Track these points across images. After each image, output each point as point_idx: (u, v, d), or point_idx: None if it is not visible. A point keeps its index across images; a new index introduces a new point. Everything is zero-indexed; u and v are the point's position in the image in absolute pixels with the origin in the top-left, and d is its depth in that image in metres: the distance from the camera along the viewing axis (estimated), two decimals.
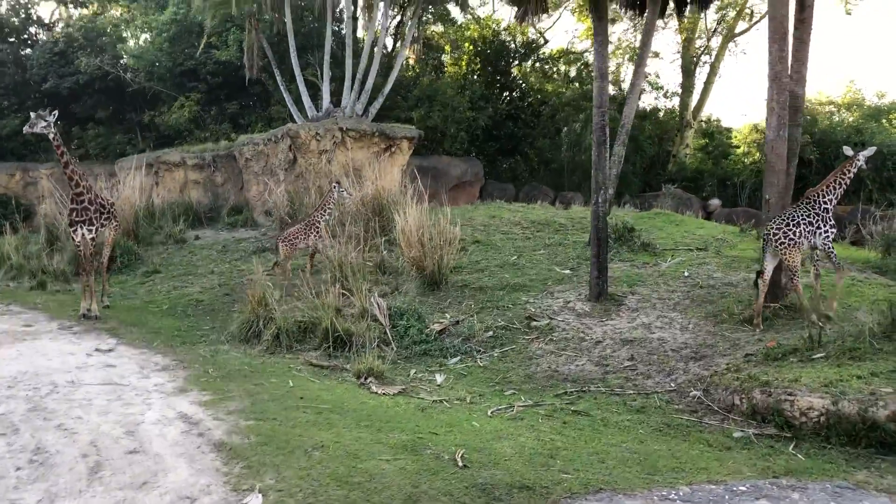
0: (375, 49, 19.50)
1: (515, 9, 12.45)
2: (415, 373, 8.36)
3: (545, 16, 26.38)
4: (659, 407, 6.90)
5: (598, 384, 7.59)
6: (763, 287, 8.64)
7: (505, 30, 28.08)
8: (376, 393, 7.46)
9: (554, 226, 14.91)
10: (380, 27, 20.01)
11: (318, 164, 16.86)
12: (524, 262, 12.42)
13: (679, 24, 24.65)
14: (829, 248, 8.79)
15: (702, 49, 25.98)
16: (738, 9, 25.70)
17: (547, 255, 12.74)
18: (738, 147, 26.36)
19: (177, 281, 14.00)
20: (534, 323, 9.47)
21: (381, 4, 19.65)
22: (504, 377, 8.08)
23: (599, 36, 9.92)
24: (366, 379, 7.87)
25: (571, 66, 29.36)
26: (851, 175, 8.99)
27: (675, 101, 27.71)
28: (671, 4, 13.20)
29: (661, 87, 26.73)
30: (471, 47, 27.57)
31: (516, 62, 28.72)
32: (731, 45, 26.25)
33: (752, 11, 25.92)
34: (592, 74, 12.06)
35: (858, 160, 8.98)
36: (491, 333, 9.34)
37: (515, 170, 28.58)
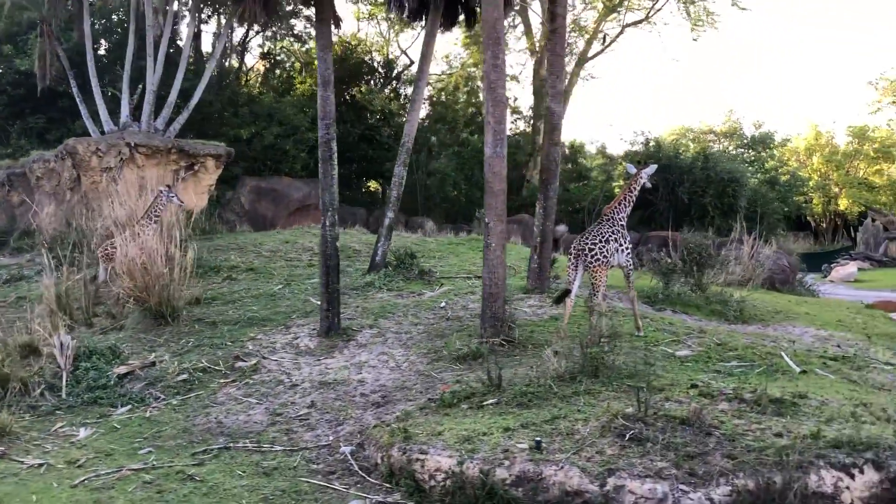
0: (180, 60, 18.09)
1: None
2: (61, 426, 6.99)
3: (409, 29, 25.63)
4: (295, 467, 5.76)
5: (252, 438, 6.41)
6: (570, 304, 8.22)
7: (357, 47, 27.17)
8: None
9: (347, 251, 13.83)
10: (186, 38, 18.62)
11: (100, 182, 15.27)
12: (287, 293, 11.26)
13: (528, 44, 24.28)
14: (631, 266, 8.60)
15: None
16: (588, 34, 25.56)
17: (316, 283, 11.60)
18: (593, 171, 26.22)
19: None
20: (239, 364, 8.25)
21: (186, 13, 18.26)
22: (159, 431, 6.80)
23: (321, 40, 8.93)
24: None
25: (435, 87, 28.70)
26: (637, 191, 8.81)
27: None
28: (462, 15, 12.38)
29: (519, 111, 26.31)
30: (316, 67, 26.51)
31: (372, 82, 27.84)
32: (583, 69, 25.99)
33: (605, 35, 25.82)
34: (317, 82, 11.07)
35: (641, 177, 8.80)
36: (185, 376, 8.06)
37: (374, 194, 27.57)
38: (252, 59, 28.71)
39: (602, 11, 25.06)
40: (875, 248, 40.20)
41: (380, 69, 28.10)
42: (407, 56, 29.30)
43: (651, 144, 24.94)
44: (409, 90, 28.39)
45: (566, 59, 26.37)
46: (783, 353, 7.65)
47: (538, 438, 5.10)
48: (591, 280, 8.24)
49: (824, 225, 57.66)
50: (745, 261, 13.58)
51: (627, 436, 5.08)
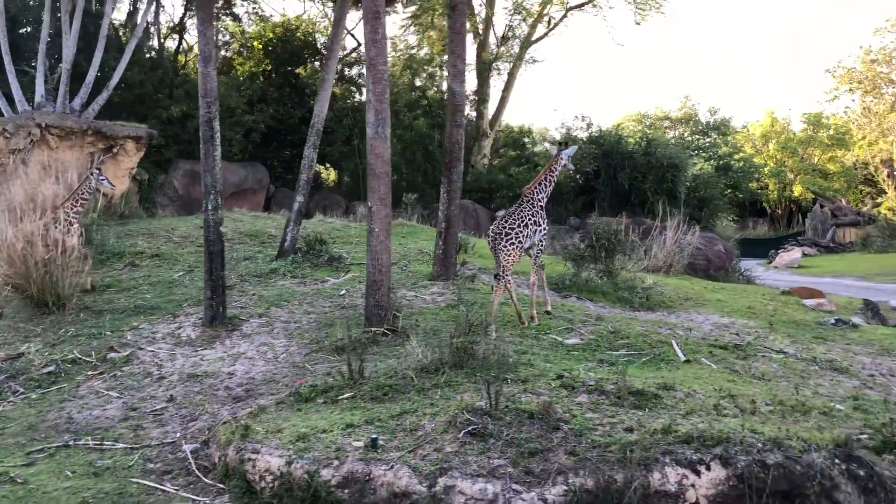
0: (99, 37, 17.34)
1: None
2: None
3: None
4: (130, 467, 5.38)
5: (97, 436, 6.01)
6: (499, 291, 7.92)
7: (300, 28, 26.51)
8: None
9: (261, 237, 13.40)
10: (105, 15, 17.86)
11: (7, 164, 14.59)
12: (187, 280, 10.81)
13: (469, 26, 23.80)
14: (542, 247, 8.45)
15: (493, 55, 25.28)
16: (533, 16, 25.20)
17: None
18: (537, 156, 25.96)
19: None
20: (111, 355, 7.81)
21: None
22: (3, 428, 6.36)
23: (201, 13, 8.44)
24: None
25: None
26: (558, 172, 8.70)
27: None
28: None
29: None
30: (260, 46, 25.80)
31: (317, 64, 27.20)
32: (528, 52, 25.65)
33: (549, 18, 25.49)
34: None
35: (562, 159, 8.69)
36: (52, 369, 7.61)
37: (316, 179, 26.99)
38: (193, 40, 27.89)
39: None
40: (823, 234, 40.73)
41: (324, 51, 27.44)
42: (353, 38, 28.68)
43: (592, 130, 24.78)
44: (356, 71, 27.85)
45: (510, 43, 26.06)
46: (673, 342, 7.45)
47: (374, 436, 4.79)
48: (500, 260, 8.03)
49: (780, 211, 58.41)
50: (669, 246, 13.44)
51: (470, 431, 4.79)
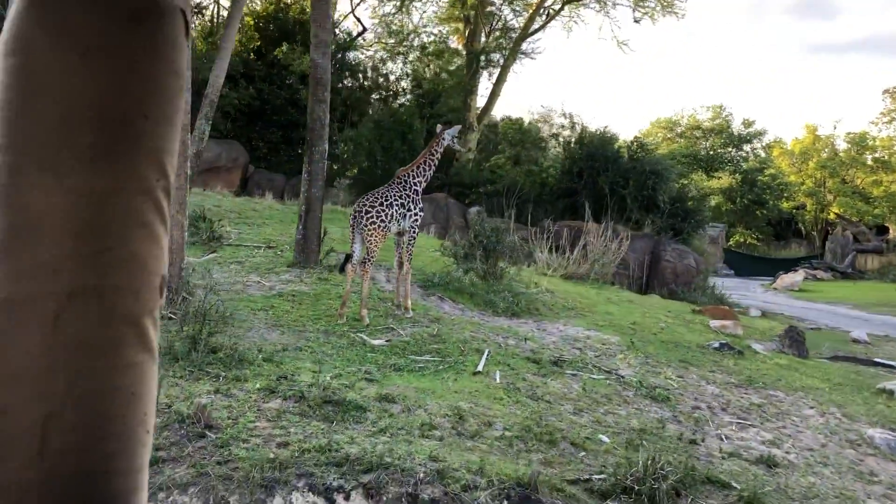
0: None
1: None
2: None
3: None
4: None
5: None
6: (351, 272, 7.49)
7: (288, 7, 26.08)
8: None
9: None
10: None
11: None
12: None
13: (460, 13, 23.08)
14: (414, 234, 7.92)
15: (483, 46, 24.45)
16: (531, 8, 24.31)
17: None
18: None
19: None
20: None
21: None
22: None
23: None
24: None
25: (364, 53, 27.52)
26: (439, 153, 8.15)
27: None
28: None
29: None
30: (252, 22, 25.45)
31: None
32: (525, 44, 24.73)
33: (547, 10, 24.57)
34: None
35: (444, 138, 8.13)
36: None
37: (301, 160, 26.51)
38: None
39: None
40: (842, 258, 38.90)
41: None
42: (359, 22, 28.09)
43: (577, 129, 23.79)
44: (351, 55, 27.31)
45: (502, 34, 25.21)
46: (486, 352, 6.71)
47: None
48: (365, 244, 7.50)
49: (815, 233, 56.34)
50: (596, 251, 12.57)
51: None
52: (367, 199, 7.54)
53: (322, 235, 9.23)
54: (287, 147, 26.22)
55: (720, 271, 38.78)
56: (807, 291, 27.38)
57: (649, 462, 4.41)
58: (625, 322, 9.25)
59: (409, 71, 26.25)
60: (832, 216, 54.37)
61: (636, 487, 4.31)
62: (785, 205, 56.79)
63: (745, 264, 39.54)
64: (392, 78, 26.75)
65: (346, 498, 3.85)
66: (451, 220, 22.06)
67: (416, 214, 7.77)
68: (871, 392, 7.85)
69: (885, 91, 60.42)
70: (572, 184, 22.78)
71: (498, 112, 28.01)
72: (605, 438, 5.08)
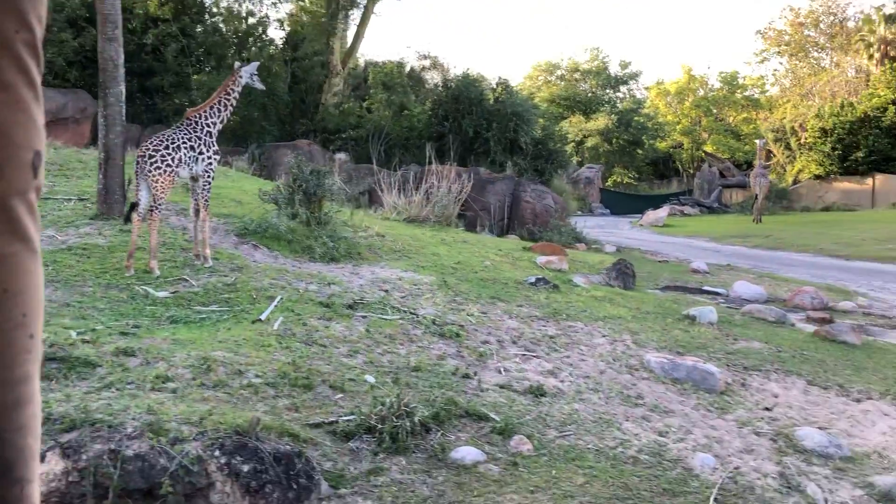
0: None
1: None
2: None
3: None
4: None
5: None
6: (138, 223, 7.01)
7: None
8: None
9: None
10: None
11: None
12: None
13: None
14: (209, 179, 7.50)
15: None
16: None
17: None
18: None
19: None
20: None
21: None
22: None
23: None
24: None
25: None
26: (237, 93, 7.64)
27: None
28: None
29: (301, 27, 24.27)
30: None
31: None
32: None
33: None
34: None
35: (241, 76, 7.64)
36: None
37: (162, 111, 25.19)
38: None
39: None
40: (708, 193, 40.79)
41: None
42: None
43: (440, 71, 23.62)
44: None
45: None
46: (279, 297, 6.49)
47: None
48: (151, 191, 7.06)
49: (692, 170, 58.72)
50: (438, 193, 12.50)
51: None
52: (151, 143, 7.08)
53: (127, 184, 8.68)
54: (143, 95, 24.82)
55: (596, 210, 39.94)
56: (669, 226, 28.55)
57: (394, 399, 4.34)
58: (449, 262, 9.22)
59: (267, 13, 25.17)
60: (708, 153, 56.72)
61: (379, 426, 4.24)
62: (662, 144, 58.90)
63: (621, 203, 40.84)
64: (251, 21, 25.58)
65: (42, 459, 3.58)
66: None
67: (209, 158, 7.37)
68: (675, 318, 8.15)
69: (758, 32, 62.93)
70: (440, 128, 22.63)
71: (378, 57, 27.34)
72: (370, 379, 4.98)
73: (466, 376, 5.36)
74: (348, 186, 15.51)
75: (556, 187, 19.96)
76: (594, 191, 41.78)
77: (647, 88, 65.12)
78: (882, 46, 49.79)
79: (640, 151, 52.97)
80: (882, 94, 36.98)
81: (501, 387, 5.28)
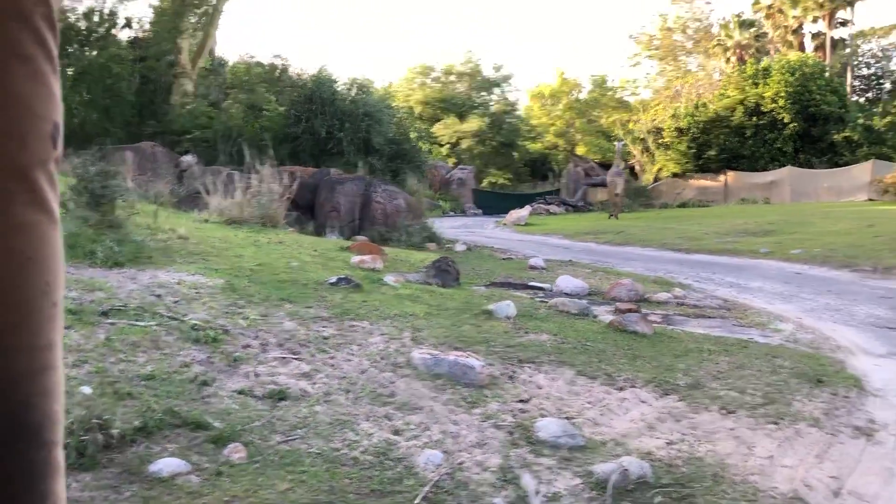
0: None
1: None
2: None
3: None
4: None
5: None
6: None
7: None
8: None
9: None
10: None
11: None
12: None
13: None
14: None
15: None
16: None
17: None
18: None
19: None
20: None
21: None
22: None
23: None
24: None
25: None
26: None
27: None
28: None
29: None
30: None
31: None
32: None
33: None
34: None
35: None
36: None
37: None
38: None
39: None
40: (573, 192, 42.08)
41: None
42: None
43: (289, 71, 23.20)
44: None
45: None
46: None
47: None
48: None
49: (564, 170, 60.51)
50: (261, 194, 12.11)
51: None
52: None
53: None
54: None
55: (469, 211, 40.42)
56: (531, 225, 29.16)
57: (85, 412, 4.01)
58: (250, 264, 8.88)
59: (113, 9, 23.90)
60: (581, 154, 58.51)
61: (68, 441, 3.89)
62: (536, 146, 60.37)
63: (493, 203, 41.50)
64: (95, 19, 24.22)
65: None
66: (159, 172, 20.58)
67: None
68: (473, 314, 8.14)
69: (631, 36, 65.65)
70: (294, 129, 22.16)
71: (234, 57, 26.42)
72: (87, 390, 4.61)
73: (205, 383, 5.06)
74: (182, 188, 14.87)
75: (409, 188, 19.91)
76: (467, 191, 42.23)
77: (528, 92, 66.64)
78: (737, 50, 53.08)
79: (514, 153, 54.06)
80: (731, 94, 39.23)
81: (240, 392, 5.01)
